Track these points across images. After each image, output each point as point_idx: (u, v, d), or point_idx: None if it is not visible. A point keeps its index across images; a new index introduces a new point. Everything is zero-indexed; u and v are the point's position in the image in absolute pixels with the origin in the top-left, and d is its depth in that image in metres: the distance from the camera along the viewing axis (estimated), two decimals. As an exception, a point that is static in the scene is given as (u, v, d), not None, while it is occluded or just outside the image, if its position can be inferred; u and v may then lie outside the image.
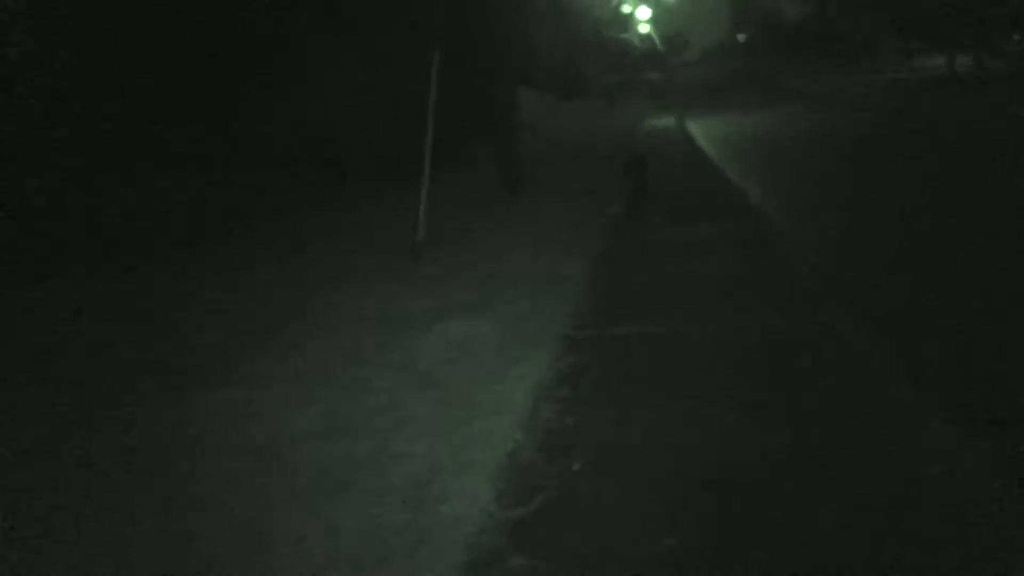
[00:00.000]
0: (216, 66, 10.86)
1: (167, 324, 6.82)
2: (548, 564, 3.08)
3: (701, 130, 22.61)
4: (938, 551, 2.94)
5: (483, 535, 3.29)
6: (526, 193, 12.62)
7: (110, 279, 8.13)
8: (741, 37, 78.85)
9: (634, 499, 3.48)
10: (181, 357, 5.91)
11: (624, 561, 3.06)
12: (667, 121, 25.43)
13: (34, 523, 3.68)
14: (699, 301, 6.31)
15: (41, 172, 8.77)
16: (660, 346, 5.41)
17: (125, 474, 4.10)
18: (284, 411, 4.77)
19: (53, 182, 8.77)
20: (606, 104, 34.09)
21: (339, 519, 3.48)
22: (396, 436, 4.27)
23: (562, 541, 3.23)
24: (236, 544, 3.36)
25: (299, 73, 12.10)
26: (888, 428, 3.87)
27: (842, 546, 3.01)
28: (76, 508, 3.77)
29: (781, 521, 3.21)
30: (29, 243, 8.27)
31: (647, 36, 62.82)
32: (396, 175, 11.74)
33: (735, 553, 3.05)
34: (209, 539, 3.42)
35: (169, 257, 8.97)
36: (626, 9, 51.92)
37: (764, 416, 4.14)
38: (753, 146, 18.64)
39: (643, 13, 57.86)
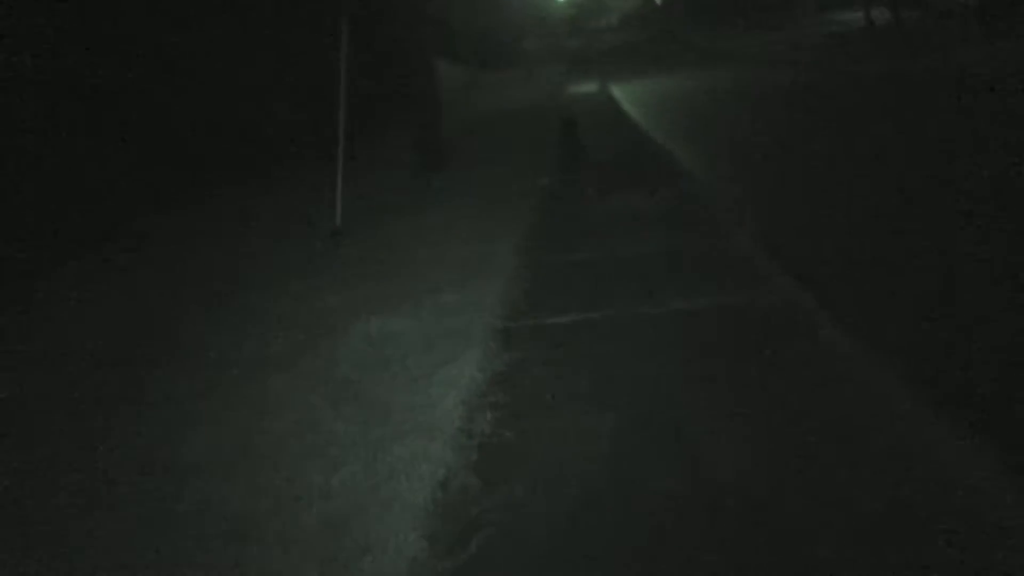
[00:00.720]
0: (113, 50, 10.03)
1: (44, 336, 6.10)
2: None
3: (624, 94, 22.13)
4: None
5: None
6: (450, 169, 11.97)
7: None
8: (658, 1, 78.54)
9: (587, 531, 2.93)
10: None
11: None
12: (589, 87, 24.91)
13: None
14: (636, 279, 5.78)
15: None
16: (601, 334, 4.87)
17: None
18: (176, 435, 4.12)
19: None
20: (526, 73, 33.39)
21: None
22: (307, 466, 3.66)
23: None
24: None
25: (207, 60, 11.30)
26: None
27: None
28: None
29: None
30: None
31: (564, 3, 62.41)
32: (317, 159, 11.02)
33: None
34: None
35: (78, 255, 8.18)
36: (542, -24, 51.33)
37: (727, 404, 3.62)
38: (675, 108, 18.23)
39: (559, -22, 57.44)
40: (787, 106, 15.66)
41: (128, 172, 9.60)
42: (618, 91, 23.07)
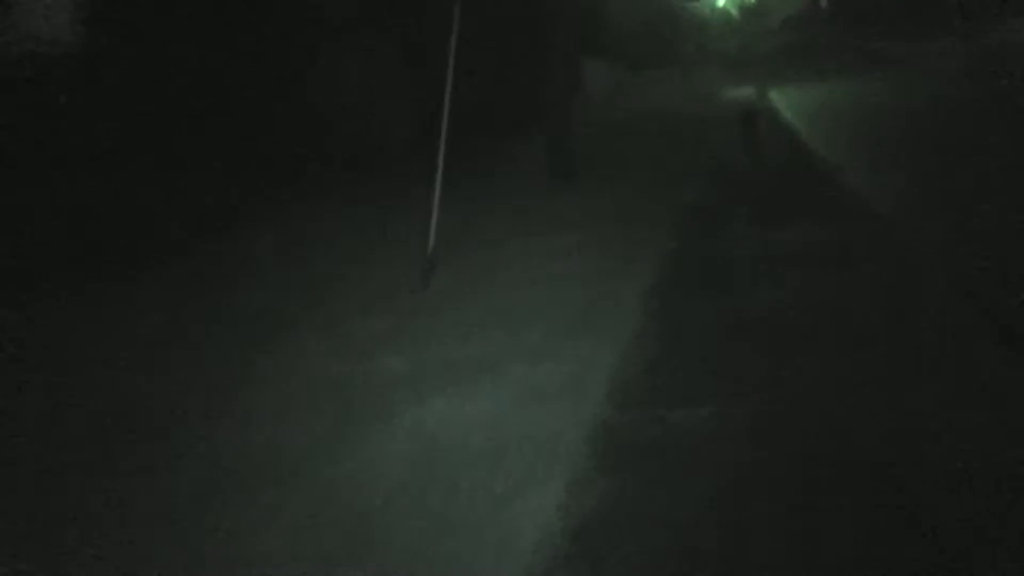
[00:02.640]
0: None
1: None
2: None
3: (785, 100, 20.18)
4: None
5: None
6: (580, 181, 10.54)
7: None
8: (823, 3, 74.92)
9: None
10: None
11: None
12: (748, 91, 23.00)
13: None
14: (790, 353, 4.26)
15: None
16: (740, 441, 3.40)
17: None
18: None
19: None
20: (681, 75, 31.59)
21: None
22: None
23: None
24: None
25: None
26: None
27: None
28: None
29: None
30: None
31: (723, 6, 60.09)
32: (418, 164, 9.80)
33: None
34: None
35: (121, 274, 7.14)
36: (703, -25, 49.27)
37: None
38: (844, 121, 16.26)
39: (721, -21, 55.15)
40: (958, 122, 13.57)
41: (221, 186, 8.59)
42: (778, 97, 21.12)
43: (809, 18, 73.54)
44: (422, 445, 3.69)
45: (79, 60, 8.42)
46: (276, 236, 8.30)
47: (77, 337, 5.72)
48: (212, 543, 3.12)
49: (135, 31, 8.84)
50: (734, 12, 68.89)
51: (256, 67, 9.65)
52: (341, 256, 7.47)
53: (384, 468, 3.57)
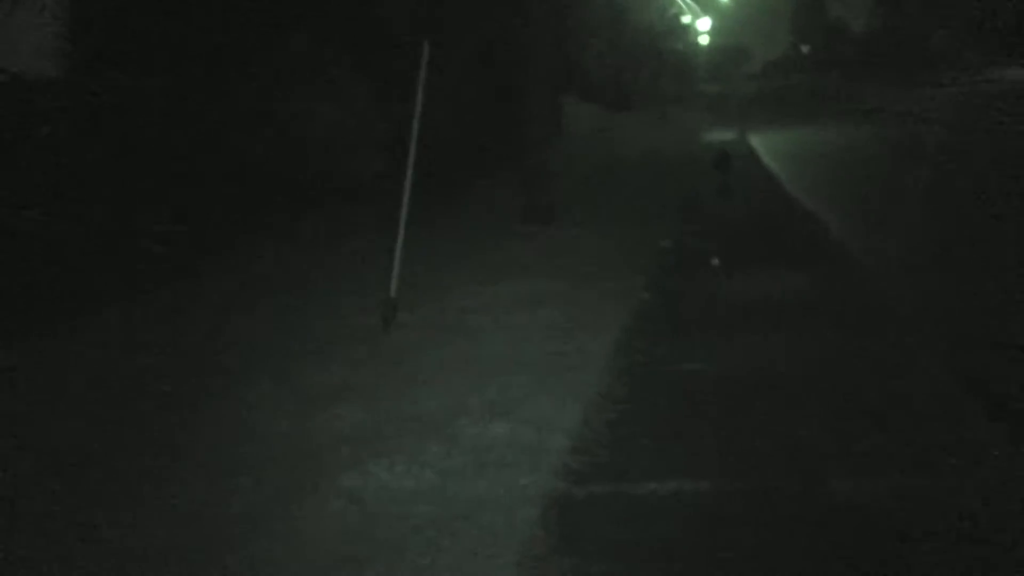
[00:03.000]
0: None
1: None
2: None
3: (764, 145, 20.11)
4: None
5: None
6: (556, 224, 10.27)
7: None
8: (805, 49, 75.70)
9: None
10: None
11: None
12: (726, 135, 22.95)
13: None
14: (775, 417, 3.98)
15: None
16: (711, 521, 3.09)
17: None
18: None
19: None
20: (661, 116, 31.57)
21: None
22: None
23: None
24: None
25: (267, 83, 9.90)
26: None
27: None
28: None
29: None
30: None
31: (705, 48, 60.44)
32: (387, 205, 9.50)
33: None
34: None
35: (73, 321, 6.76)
36: (685, 20, 49.54)
37: None
38: (821, 164, 16.16)
39: (703, 24, 55.57)
40: (939, 168, 13.52)
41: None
42: (758, 141, 21.07)
43: (790, 63, 74.41)
44: (362, 515, 3.36)
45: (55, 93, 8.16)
46: (235, 278, 7.96)
47: (15, 386, 5.35)
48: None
49: (105, 64, 8.55)
50: (716, 55, 69.57)
51: (222, 105, 9.35)
52: (303, 299, 7.12)
53: (321, 541, 3.24)
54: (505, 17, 12.83)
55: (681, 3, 47.85)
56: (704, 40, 59.59)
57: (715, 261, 8.11)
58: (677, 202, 11.78)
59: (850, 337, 5.29)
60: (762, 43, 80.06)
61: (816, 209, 10.41)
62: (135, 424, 4.47)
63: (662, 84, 41.02)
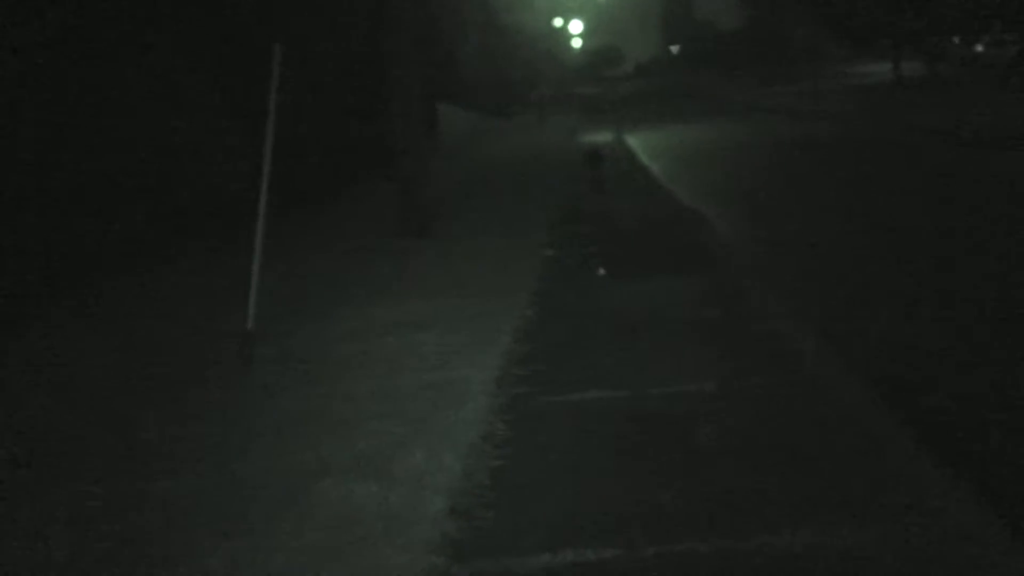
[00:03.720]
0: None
1: None
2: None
3: (641, 144, 20.01)
4: None
5: None
6: (432, 236, 9.70)
7: None
8: (675, 49, 77.05)
9: None
10: None
11: None
12: (603, 136, 22.80)
13: None
14: (667, 454, 3.52)
15: None
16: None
17: None
18: None
19: None
20: (538, 119, 31.32)
21: None
22: None
23: None
24: None
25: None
26: None
27: None
28: None
29: None
30: None
31: (579, 50, 60.77)
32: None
33: None
34: None
35: None
36: (558, 23, 49.63)
37: None
38: (698, 160, 16.08)
39: (575, 27, 55.88)
40: (805, 158, 13.66)
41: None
42: (634, 140, 20.97)
43: (661, 63, 75.70)
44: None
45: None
46: (69, 322, 7.12)
47: None
48: None
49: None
50: (590, 57, 70.18)
51: (68, 122, 8.45)
52: (149, 336, 6.37)
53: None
54: (366, 21, 12.23)
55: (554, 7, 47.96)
56: (577, 43, 60.09)
57: (601, 271, 7.68)
58: (558, 206, 11.37)
59: (742, 350, 4.90)
60: (634, 44, 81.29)
61: (694, 205, 10.16)
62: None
63: (538, 88, 40.89)
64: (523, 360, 5.09)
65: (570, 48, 58.15)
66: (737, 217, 9.56)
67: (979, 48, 40.10)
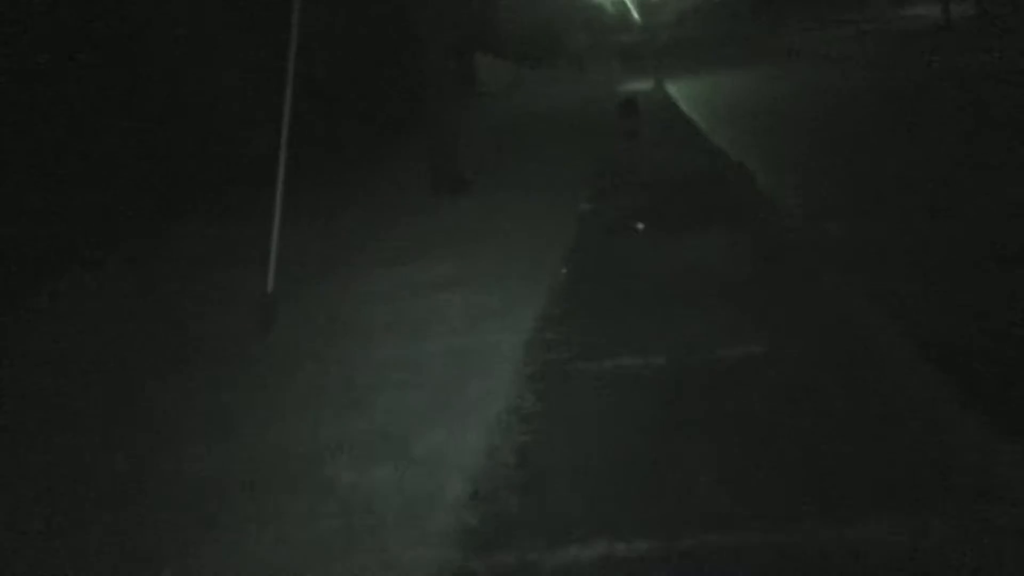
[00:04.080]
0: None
1: None
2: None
3: (683, 93, 19.46)
4: None
5: None
6: (467, 192, 9.41)
7: None
8: (717, -5, 75.22)
9: None
10: None
11: None
12: (644, 85, 22.24)
13: None
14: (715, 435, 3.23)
15: None
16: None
17: None
18: None
19: None
20: (576, 70, 30.68)
21: None
22: None
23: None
24: None
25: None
26: None
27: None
28: None
29: None
30: None
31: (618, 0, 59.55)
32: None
33: None
34: None
35: None
36: (599, -32, 48.58)
37: None
38: (741, 111, 15.53)
39: (617, -27, 54.57)
40: (859, 110, 13.07)
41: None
42: (675, 90, 20.40)
43: (704, 12, 74.15)
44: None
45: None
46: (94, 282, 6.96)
47: None
48: None
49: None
50: (629, 6, 68.87)
51: (86, 80, 8.23)
52: (171, 300, 6.18)
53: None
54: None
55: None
56: (617, -10, 58.72)
57: (639, 226, 7.35)
58: (596, 159, 11.01)
59: (787, 312, 4.57)
60: (676, -10, 79.58)
61: (742, 158, 9.73)
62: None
63: (577, 36, 40.15)
64: (556, 323, 4.81)
65: (610, -4, 56.97)
66: (778, 169, 9.12)
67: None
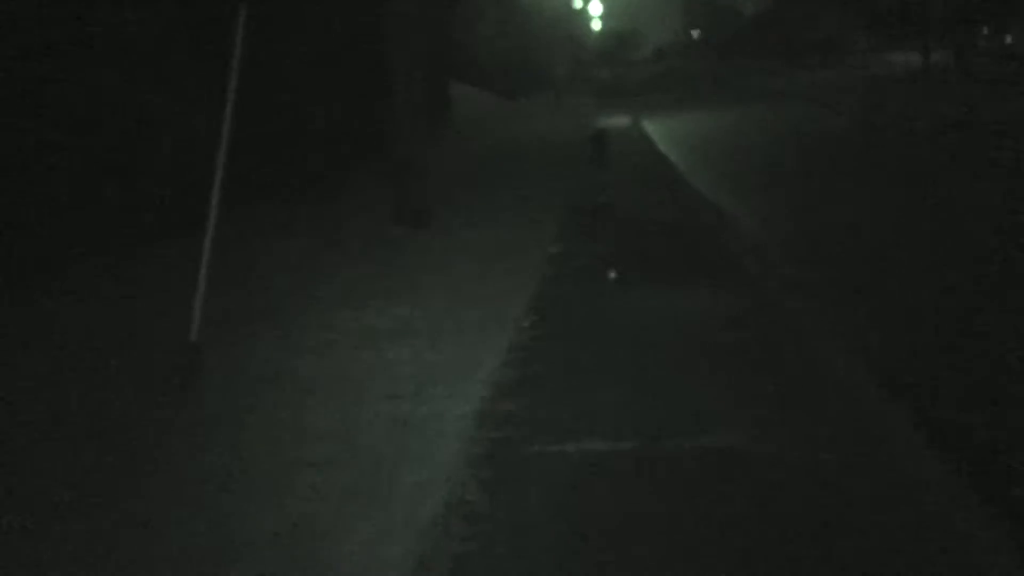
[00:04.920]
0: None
1: None
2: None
3: (659, 131, 19.05)
4: None
5: None
6: (431, 226, 8.82)
7: None
8: (696, 34, 75.76)
9: None
10: None
11: None
12: (621, 120, 21.85)
13: None
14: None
15: None
16: None
17: None
18: None
19: None
20: (554, 102, 30.28)
21: None
22: None
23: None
24: None
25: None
26: None
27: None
28: None
29: None
30: None
31: (598, 33, 59.66)
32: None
33: None
34: None
35: None
36: (577, 4, 48.59)
37: None
38: (717, 150, 15.11)
39: (595, 8, 54.73)
40: (837, 152, 12.71)
41: None
42: (652, 127, 20.00)
43: (682, 47, 74.57)
44: None
45: None
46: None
47: None
48: None
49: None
50: (609, 40, 69.08)
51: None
52: (88, 345, 5.51)
53: None
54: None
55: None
56: (596, 25, 58.90)
57: (611, 273, 6.80)
58: (567, 196, 10.48)
59: (781, 389, 4.01)
60: (654, 28, 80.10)
61: (715, 198, 9.25)
62: None
63: (555, 70, 39.87)
64: (511, 390, 4.21)
65: (589, 30, 57.00)
66: (758, 213, 8.63)
67: (1008, 39, 39.04)
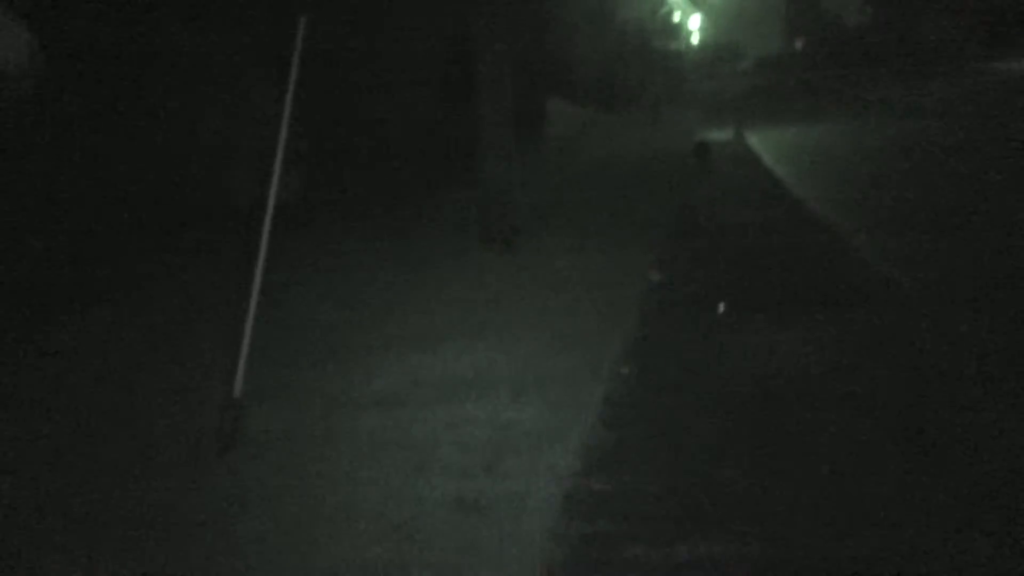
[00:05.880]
0: None
1: None
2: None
3: (764, 145, 17.95)
4: None
5: None
6: (519, 252, 8.11)
7: None
8: (799, 44, 73.58)
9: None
10: None
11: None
12: (722, 135, 20.81)
13: None
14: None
15: None
16: None
17: None
18: None
19: None
20: (651, 117, 29.31)
21: None
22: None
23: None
24: None
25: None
26: None
27: None
28: None
29: None
30: None
31: (697, 45, 58.50)
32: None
33: None
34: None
35: None
36: (676, 18, 47.69)
37: None
38: (834, 166, 13.98)
39: (694, 22, 53.65)
40: (963, 169, 11.50)
41: None
42: (756, 141, 18.90)
43: (784, 59, 72.66)
44: None
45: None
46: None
47: None
48: None
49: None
50: (709, 53, 67.77)
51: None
52: (123, 397, 4.94)
53: None
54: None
55: (671, 1, 46.11)
56: (695, 38, 57.71)
57: (721, 307, 5.95)
58: (669, 218, 9.63)
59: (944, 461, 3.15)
60: (755, 39, 78.32)
61: (836, 221, 8.29)
62: None
63: (653, 83, 38.91)
64: (609, 462, 3.44)
65: (688, 43, 55.91)
66: (885, 234, 7.65)
67: None
